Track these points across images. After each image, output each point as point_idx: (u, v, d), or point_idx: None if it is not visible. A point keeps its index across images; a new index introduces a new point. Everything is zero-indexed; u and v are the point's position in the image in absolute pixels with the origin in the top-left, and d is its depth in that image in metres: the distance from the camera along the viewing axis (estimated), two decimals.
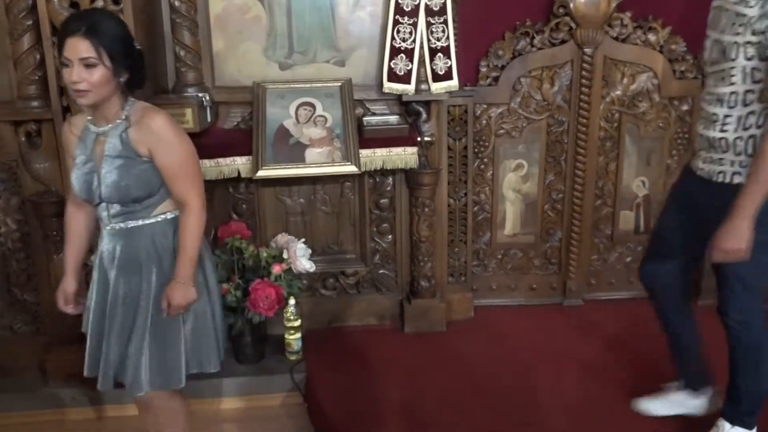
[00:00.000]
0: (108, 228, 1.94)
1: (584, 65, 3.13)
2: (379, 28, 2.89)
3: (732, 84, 1.95)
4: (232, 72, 2.90)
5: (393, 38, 2.82)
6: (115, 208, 1.90)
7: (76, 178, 1.92)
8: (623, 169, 3.34)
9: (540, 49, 3.14)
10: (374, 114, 2.98)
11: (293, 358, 2.92)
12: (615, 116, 3.27)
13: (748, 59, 1.90)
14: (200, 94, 2.72)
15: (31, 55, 2.48)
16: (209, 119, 2.80)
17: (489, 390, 2.66)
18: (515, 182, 3.31)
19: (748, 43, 1.88)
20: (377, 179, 3.09)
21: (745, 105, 1.95)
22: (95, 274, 2.02)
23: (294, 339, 2.92)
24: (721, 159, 2.02)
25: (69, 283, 2.09)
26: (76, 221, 2.08)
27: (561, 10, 3.08)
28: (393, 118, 2.93)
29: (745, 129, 1.96)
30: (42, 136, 2.57)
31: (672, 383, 2.46)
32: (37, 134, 2.57)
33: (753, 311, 2.11)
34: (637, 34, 3.16)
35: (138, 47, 1.89)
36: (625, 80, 3.22)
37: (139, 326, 1.94)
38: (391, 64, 2.83)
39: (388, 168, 2.90)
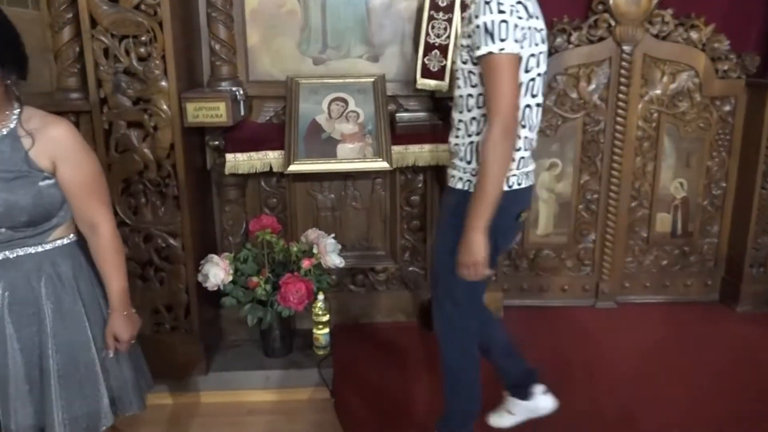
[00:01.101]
0: None
1: (623, 63, 3.07)
2: (414, 24, 2.87)
3: (459, 87, 1.92)
4: (266, 66, 2.91)
5: (427, 34, 2.79)
6: (1, 233, 1.57)
7: None
8: (661, 171, 3.27)
9: (577, 46, 3.09)
10: (407, 110, 2.96)
11: (321, 353, 2.92)
12: (654, 116, 3.19)
13: (464, 62, 1.86)
14: (234, 88, 2.74)
15: (70, 48, 2.54)
16: (242, 113, 2.81)
17: None
18: (549, 181, 3.26)
19: (462, 46, 1.85)
20: (408, 176, 3.07)
21: (468, 110, 1.90)
22: None
23: (322, 334, 2.93)
24: (454, 164, 1.99)
25: None
26: None
27: (600, 7, 3.03)
28: (425, 115, 2.90)
29: (468, 135, 1.92)
30: (80, 127, 2.61)
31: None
32: (74, 125, 2.60)
33: (458, 328, 2.07)
34: (679, 32, 3.09)
35: (17, 34, 1.55)
36: (665, 79, 3.15)
37: (45, 378, 1.64)
38: (425, 60, 2.80)
39: (420, 165, 2.88)
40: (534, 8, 1.84)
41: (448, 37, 2.78)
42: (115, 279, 1.70)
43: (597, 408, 2.51)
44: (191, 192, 2.67)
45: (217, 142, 2.77)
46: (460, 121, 1.95)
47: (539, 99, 1.92)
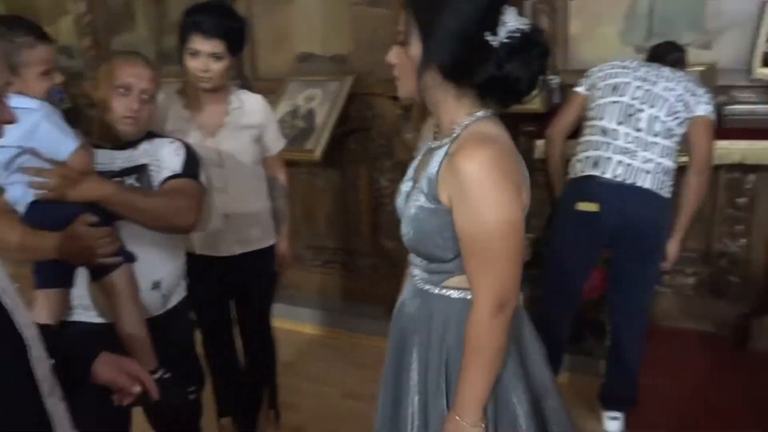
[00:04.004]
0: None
1: None
2: (757, 6, 2.58)
3: None
4: (585, 55, 2.92)
5: None
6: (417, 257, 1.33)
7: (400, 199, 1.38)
8: None
9: None
10: (739, 102, 2.69)
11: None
12: None
13: None
14: (551, 77, 2.83)
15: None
16: (556, 101, 2.88)
17: None
18: None
19: None
20: (735, 175, 2.79)
21: None
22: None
23: None
24: None
25: None
26: None
27: None
28: (761, 108, 2.61)
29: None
30: (412, 110, 3.00)
31: None
32: (409, 109, 3.01)
33: None
34: None
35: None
36: None
37: None
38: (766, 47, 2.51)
39: (749, 163, 2.61)
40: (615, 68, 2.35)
41: None
42: (469, 372, 1.23)
43: None
44: None
45: (530, 128, 2.91)
46: None
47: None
